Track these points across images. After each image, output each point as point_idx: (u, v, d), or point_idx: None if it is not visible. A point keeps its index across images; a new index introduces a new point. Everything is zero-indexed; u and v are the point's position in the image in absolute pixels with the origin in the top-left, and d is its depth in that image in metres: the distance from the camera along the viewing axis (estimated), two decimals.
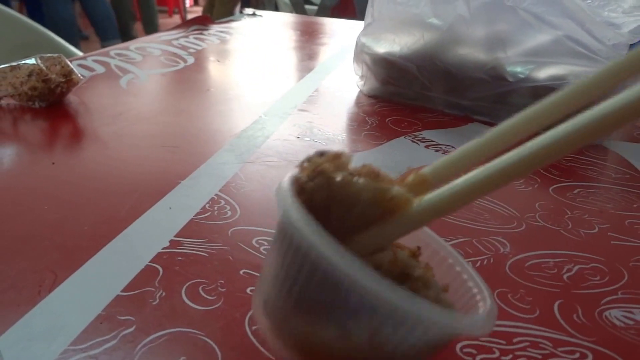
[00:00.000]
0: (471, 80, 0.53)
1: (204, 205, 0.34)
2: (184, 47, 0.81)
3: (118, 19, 2.72)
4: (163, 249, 0.29)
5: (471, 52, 0.52)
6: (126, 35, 2.81)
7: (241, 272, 0.27)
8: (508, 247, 0.31)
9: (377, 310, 0.14)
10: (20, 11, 2.97)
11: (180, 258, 0.28)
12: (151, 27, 3.08)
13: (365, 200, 0.16)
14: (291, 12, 2.37)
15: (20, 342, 0.22)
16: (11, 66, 0.49)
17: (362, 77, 0.62)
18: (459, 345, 0.23)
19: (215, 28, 0.99)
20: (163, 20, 4.10)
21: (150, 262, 0.28)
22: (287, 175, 0.17)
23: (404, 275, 0.16)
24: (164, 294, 0.25)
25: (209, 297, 0.25)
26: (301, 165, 0.17)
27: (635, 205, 0.38)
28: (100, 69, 0.65)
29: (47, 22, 2.18)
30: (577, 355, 0.23)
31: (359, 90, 0.64)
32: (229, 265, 0.28)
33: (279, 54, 0.86)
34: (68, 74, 0.51)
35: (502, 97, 0.52)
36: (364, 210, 0.16)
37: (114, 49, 0.75)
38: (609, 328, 0.25)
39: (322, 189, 0.16)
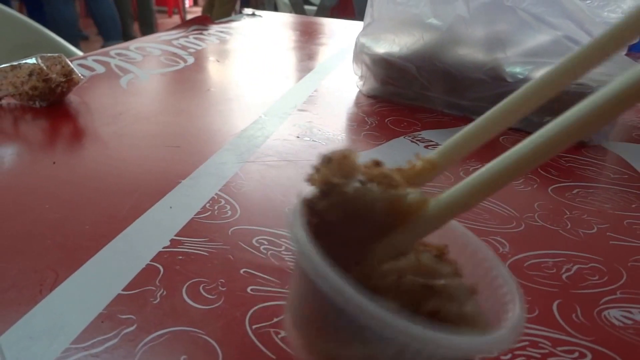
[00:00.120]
0: (470, 81, 0.53)
1: (205, 205, 0.34)
2: (184, 47, 0.81)
3: (119, 20, 2.72)
4: (164, 248, 0.29)
5: (470, 52, 0.52)
6: (126, 35, 2.81)
7: (241, 271, 0.28)
8: (507, 247, 0.31)
9: (395, 339, 0.14)
10: (20, 11, 2.97)
11: (180, 257, 0.28)
12: (148, 28, 3.07)
13: (380, 210, 0.16)
14: (290, 12, 2.37)
15: (21, 341, 0.22)
16: (12, 66, 0.49)
17: (361, 77, 0.62)
18: None
19: (214, 28, 0.99)
20: (162, 20, 4.11)
21: (151, 261, 0.28)
22: (298, 196, 0.16)
23: (427, 288, 0.16)
24: (164, 292, 0.25)
25: (209, 296, 0.25)
26: (311, 178, 0.17)
27: (633, 206, 0.38)
28: (100, 69, 0.65)
29: (48, 21, 2.18)
30: (576, 354, 0.23)
31: (358, 90, 0.64)
32: (230, 265, 0.28)
33: (279, 54, 0.86)
34: (68, 74, 0.51)
35: (501, 97, 0.51)
36: (379, 220, 0.16)
37: (114, 49, 0.75)
38: (608, 328, 0.25)
39: (335, 208, 0.16)
